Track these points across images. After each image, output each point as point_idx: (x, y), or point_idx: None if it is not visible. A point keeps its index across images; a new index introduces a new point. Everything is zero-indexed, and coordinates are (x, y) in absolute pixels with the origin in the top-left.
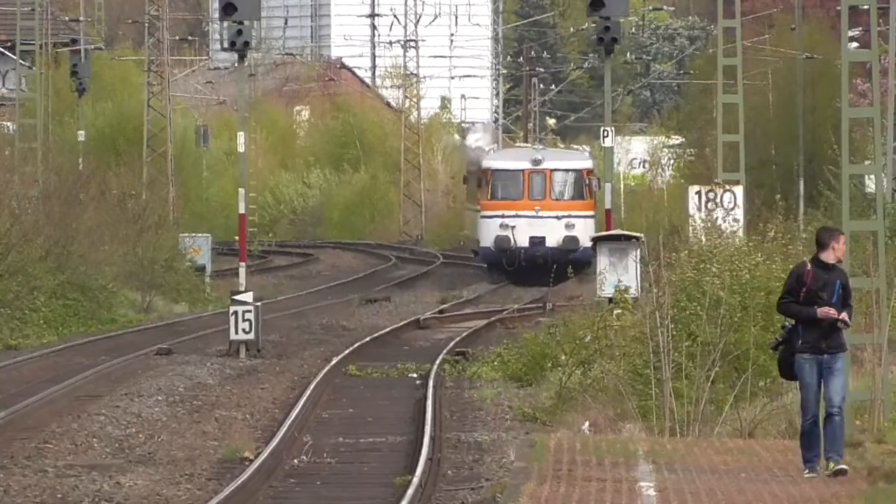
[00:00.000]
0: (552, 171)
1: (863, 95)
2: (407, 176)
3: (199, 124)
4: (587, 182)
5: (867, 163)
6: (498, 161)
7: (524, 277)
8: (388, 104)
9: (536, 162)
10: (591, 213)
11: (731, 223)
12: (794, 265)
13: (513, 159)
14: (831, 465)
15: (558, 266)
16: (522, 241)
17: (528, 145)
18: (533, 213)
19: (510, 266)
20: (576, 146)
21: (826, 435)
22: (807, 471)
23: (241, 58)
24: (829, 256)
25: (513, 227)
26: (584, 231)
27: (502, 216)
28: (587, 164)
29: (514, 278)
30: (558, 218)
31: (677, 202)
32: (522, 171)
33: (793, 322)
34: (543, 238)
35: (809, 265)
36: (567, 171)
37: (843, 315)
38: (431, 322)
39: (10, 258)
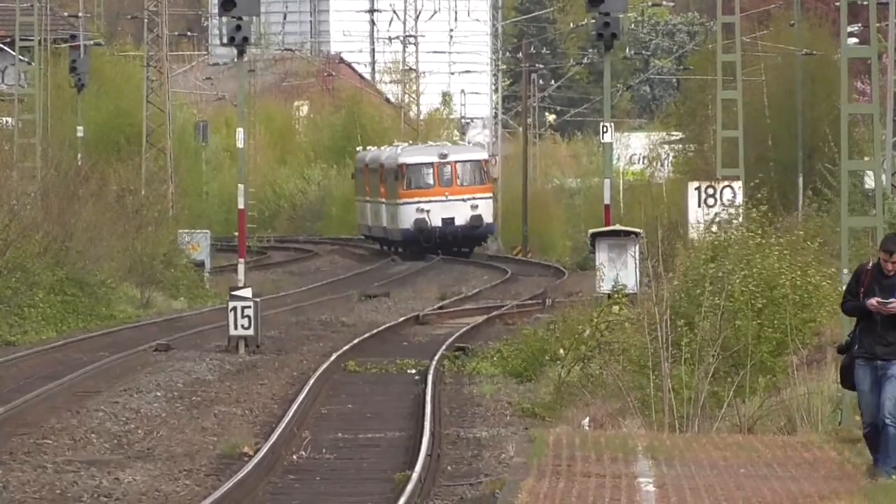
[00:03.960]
0: (456, 162)
1: (863, 94)
2: None
3: (198, 120)
4: (486, 170)
5: (866, 159)
6: (411, 157)
7: (439, 251)
8: (387, 100)
9: (443, 156)
10: (490, 195)
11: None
12: (857, 265)
13: (423, 155)
14: (893, 477)
15: (467, 240)
16: (436, 222)
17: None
18: (443, 198)
19: (427, 243)
20: (461, 141)
21: (882, 443)
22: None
23: (241, 53)
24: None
25: (428, 211)
26: (487, 210)
27: (418, 202)
28: (484, 155)
29: (431, 252)
30: (464, 200)
31: (676, 198)
32: (432, 163)
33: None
34: (453, 218)
35: (870, 264)
36: (469, 161)
37: (893, 303)
38: (430, 318)
39: (8, 254)
